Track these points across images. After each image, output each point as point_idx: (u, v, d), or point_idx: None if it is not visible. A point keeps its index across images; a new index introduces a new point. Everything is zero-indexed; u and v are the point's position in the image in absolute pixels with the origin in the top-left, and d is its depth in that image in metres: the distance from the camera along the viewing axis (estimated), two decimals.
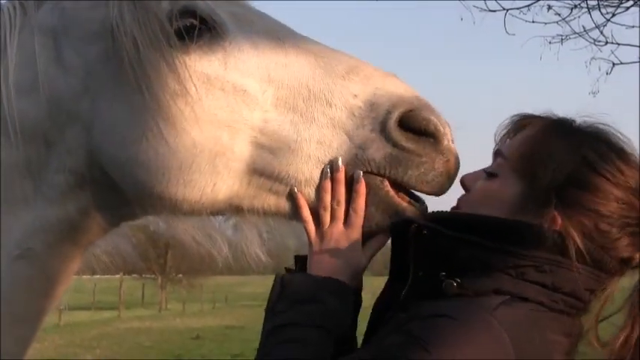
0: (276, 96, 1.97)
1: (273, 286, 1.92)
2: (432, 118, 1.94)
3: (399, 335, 1.68)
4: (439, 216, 1.91)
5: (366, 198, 1.94)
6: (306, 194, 1.97)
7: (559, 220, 1.80)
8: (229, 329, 28.44)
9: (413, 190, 1.97)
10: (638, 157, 1.93)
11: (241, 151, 1.94)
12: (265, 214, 2.03)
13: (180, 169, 1.91)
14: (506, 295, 1.75)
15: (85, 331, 25.83)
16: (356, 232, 1.96)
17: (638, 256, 1.87)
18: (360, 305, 2.02)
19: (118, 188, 1.99)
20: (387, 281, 2.02)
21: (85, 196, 2.03)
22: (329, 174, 1.93)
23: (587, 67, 13.61)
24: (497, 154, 2.00)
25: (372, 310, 2.00)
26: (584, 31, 12.61)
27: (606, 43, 12.68)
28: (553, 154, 1.88)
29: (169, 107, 1.89)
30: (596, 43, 12.84)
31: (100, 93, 1.97)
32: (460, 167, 2.01)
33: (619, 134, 1.96)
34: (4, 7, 2.05)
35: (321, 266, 1.94)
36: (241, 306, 49.50)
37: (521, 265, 1.77)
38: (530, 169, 1.88)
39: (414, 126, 1.93)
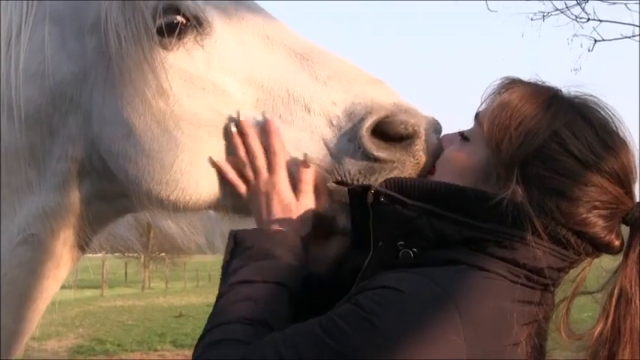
0: (255, 97, 1.97)
1: (227, 242, 1.91)
2: (407, 120, 1.90)
3: (348, 306, 1.66)
4: (398, 183, 1.83)
5: (330, 195, 1.93)
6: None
7: (518, 196, 1.72)
8: (212, 307, 28.35)
9: None
10: (624, 136, 1.80)
11: (223, 151, 1.96)
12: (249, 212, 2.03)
13: (163, 169, 1.93)
14: (462, 265, 1.70)
15: (68, 309, 25.72)
16: (281, 177, 1.93)
17: (616, 242, 1.80)
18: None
19: (117, 179, 2.02)
20: (348, 251, 1.95)
21: (86, 186, 2.07)
22: (233, 129, 1.94)
23: (568, 44, 13.72)
24: (476, 116, 1.92)
25: (337, 280, 1.94)
26: (566, 7, 12.69)
27: (588, 19, 12.77)
28: (523, 125, 1.77)
29: (152, 105, 1.92)
30: (578, 19, 12.93)
31: (97, 85, 1.99)
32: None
33: (606, 110, 1.82)
34: None
35: (263, 222, 1.94)
36: None
37: (481, 238, 1.71)
38: (496, 138, 1.79)
39: (388, 133, 1.90)
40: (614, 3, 12.53)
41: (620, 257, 1.80)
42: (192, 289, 46.38)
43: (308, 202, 1.94)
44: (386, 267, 1.76)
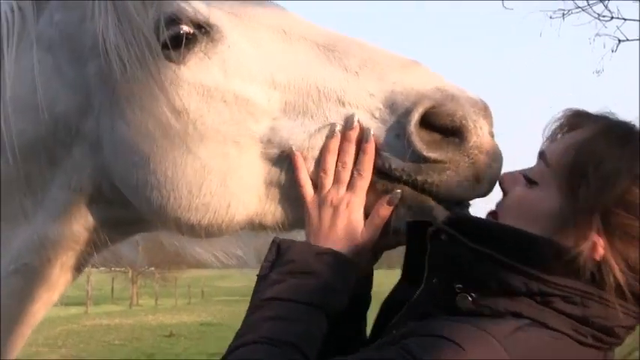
0: (283, 101, 1.91)
1: (269, 250, 1.86)
2: (455, 111, 1.82)
3: (396, 350, 1.61)
4: (464, 220, 1.80)
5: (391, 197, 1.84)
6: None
7: (600, 248, 1.66)
8: (205, 326, 28.56)
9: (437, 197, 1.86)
10: None
11: (252, 166, 1.90)
12: (291, 227, 1.99)
13: (191, 193, 1.89)
14: (525, 320, 1.65)
15: (50, 328, 25.70)
16: (357, 198, 1.86)
17: None
18: (370, 284, 2.00)
19: (130, 206, 2.00)
20: (399, 281, 1.96)
21: (92, 214, 2.05)
22: (337, 133, 1.85)
23: (590, 44, 13.65)
24: (540, 155, 1.87)
25: (380, 309, 1.95)
26: (588, 4, 12.62)
27: (611, 18, 12.71)
28: (601, 169, 1.71)
29: (169, 127, 1.86)
30: (601, 18, 12.86)
31: (104, 112, 1.95)
32: (499, 160, 1.89)
33: None
34: (1, 9, 2.04)
35: (318, 236, 1.87)
36: (218, 301, 49.58)
37: (549, 292, 1.66)
38: (572, 184, 1.73)
39: (434, 123, 1.82)
40: None
41: None
42: (183, 307, 46.47)
43: (374, 234, 1.88)
44: (439, 307, 1.73)
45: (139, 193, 1.93)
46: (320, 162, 1.88)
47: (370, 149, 1.83)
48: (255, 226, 1.99)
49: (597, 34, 13.23)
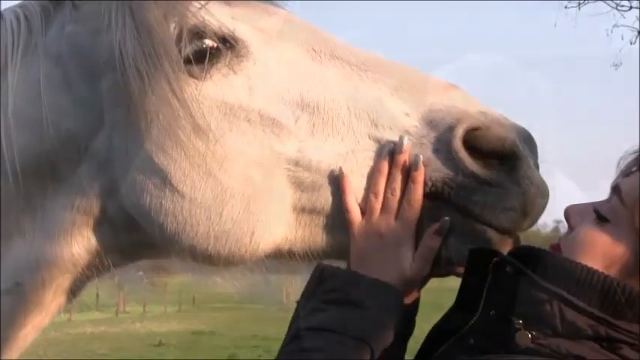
0: (311, 122, 1.90)
1: (312, 276, 1.84)
2: (505, 135, 1.82)
3: None
4: (531, 254, 1.78)
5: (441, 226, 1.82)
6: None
7: None
8: (197, 335, 28.53)
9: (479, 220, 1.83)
10: None
11: (279, 190, 1.88)
12: (325, 255, 1.96)
13: (210, 220, 1.85)
14: None
15: None
16: (407, 230, 1.86)
17: None
18: (416, 310, 1.96)
19: (138, 230, 1.96)
20: (452, 307, 1.94)
21: (95, 236, 2.01)
22: (388, 153, 1.84)
23: (608, 35, 13.57)
24: (615, 190, 1.83)
25: (428, 335, 1.91)
26: None
27: (630, 8, 12.61)
28: None
29: (188, 147, 1.83)
30: (619, 8, 12.75)
31: (117, 130, 1.91)
32: (547, 197, 1.87)
33: None
34: (6, 17, 2.01)
35: (365, 265, 1.85)
36: (211, 309, 49.56)
37: (617, 338, 1.66)
38: None
39: (482, 148, 1.82)
40: None
41: None
42: (173, 314, 46.50)
43: (424, 267, 1.88)
44: (493, 341, 1.71)
45: (152, 217, 1.89)
46: (370, 184, 1.87)
47: (420, 178, 1.83)
48: (284, 254, 1.95)
49: (615, 25, 13.17)
